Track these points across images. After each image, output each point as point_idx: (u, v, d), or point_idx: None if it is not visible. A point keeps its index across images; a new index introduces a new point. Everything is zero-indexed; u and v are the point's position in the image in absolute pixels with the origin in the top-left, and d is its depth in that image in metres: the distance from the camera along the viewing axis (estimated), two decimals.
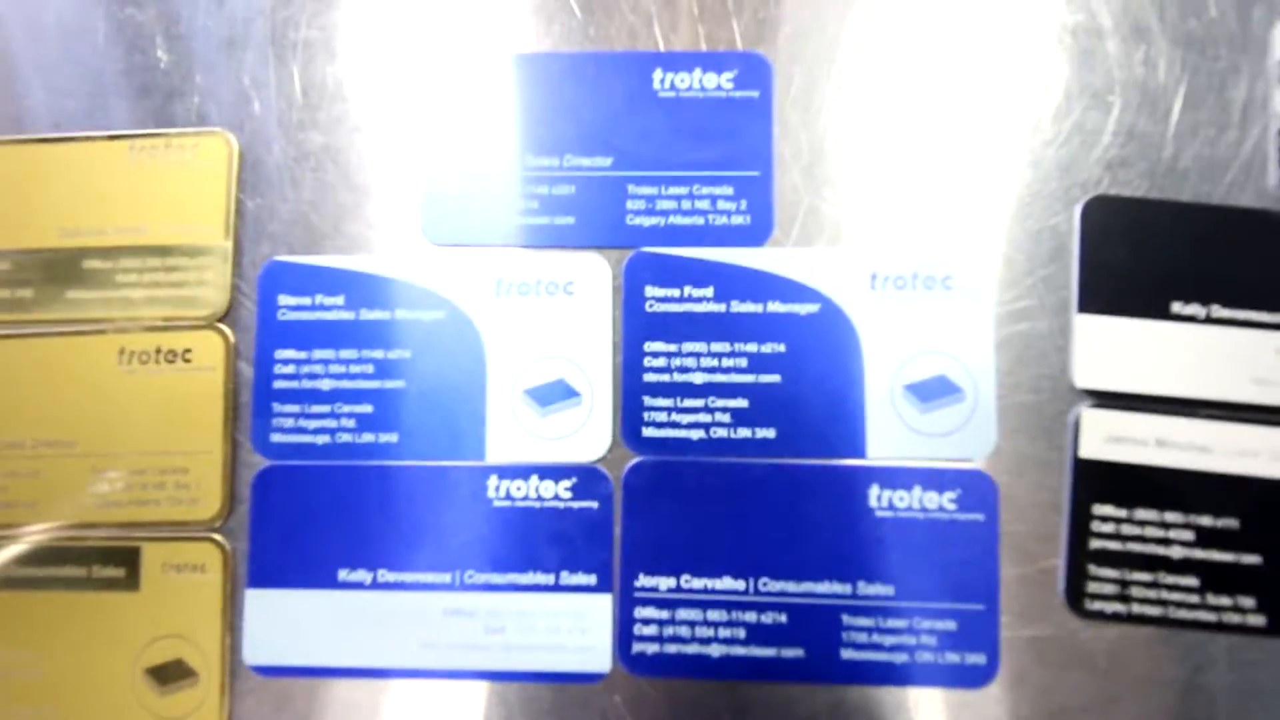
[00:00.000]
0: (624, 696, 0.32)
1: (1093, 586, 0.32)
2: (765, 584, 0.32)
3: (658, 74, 0.34)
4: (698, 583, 0.32)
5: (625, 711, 0.32)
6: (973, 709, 0.31)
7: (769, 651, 0.32)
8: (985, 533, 0.32)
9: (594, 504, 0.32)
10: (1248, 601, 0.32)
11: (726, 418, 0.32)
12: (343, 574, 0.32)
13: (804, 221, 0.33)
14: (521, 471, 0.32)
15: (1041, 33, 0.34)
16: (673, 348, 0.33)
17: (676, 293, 0.33)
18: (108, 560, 0.33)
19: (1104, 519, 0.32)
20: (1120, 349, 0.33)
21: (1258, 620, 0.32)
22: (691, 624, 0.32)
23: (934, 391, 0.32)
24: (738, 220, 0.33)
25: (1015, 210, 0.33)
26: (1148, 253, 0.33)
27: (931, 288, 0.32)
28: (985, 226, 0.33)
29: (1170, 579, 0.32)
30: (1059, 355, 0.32)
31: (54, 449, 0.34)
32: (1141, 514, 0.32)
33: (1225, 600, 0.32)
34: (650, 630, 0.32)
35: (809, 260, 0.33)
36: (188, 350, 0.34)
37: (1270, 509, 0.32)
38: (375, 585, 0.32)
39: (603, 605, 0.32)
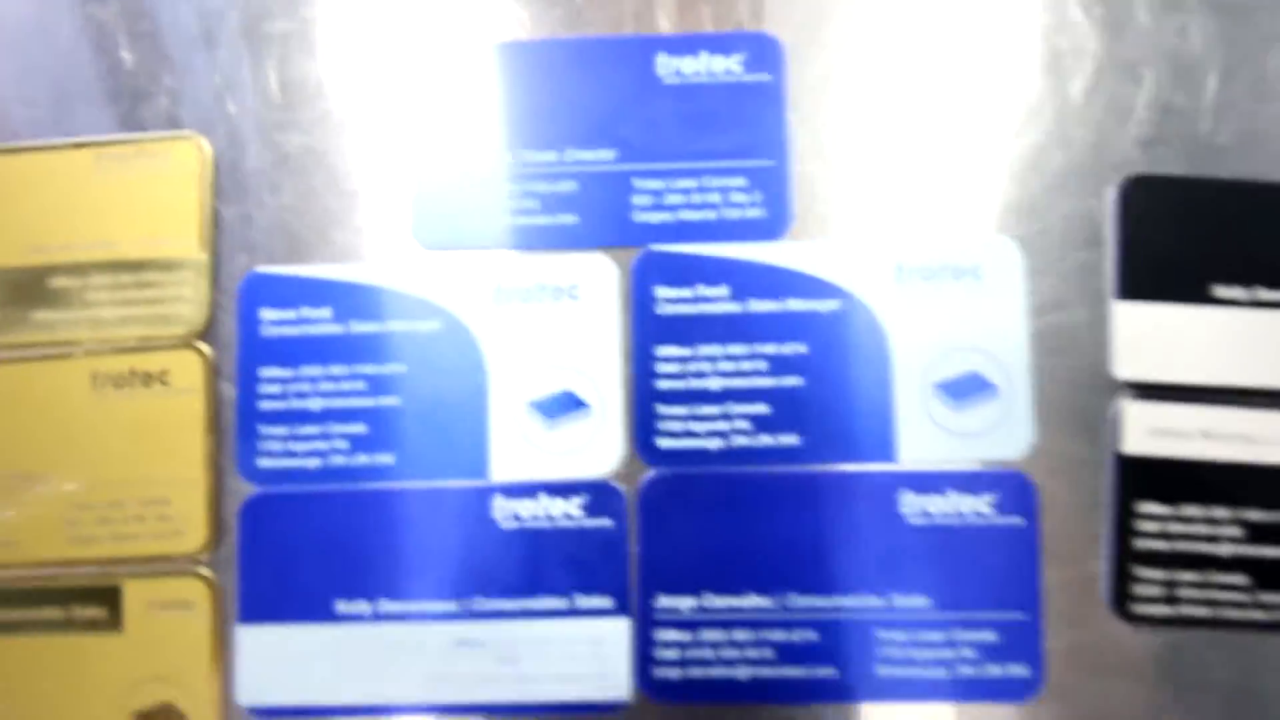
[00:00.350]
0: None
1: (1138, 589, 0.30)
2: (793, 600, 0.30)
3: (661, 58, 0.31)
4: (721, 602, 0.30)
5: None
6: None
7: (799, 671, 0.30)
8: (1025, 537, 0.30)
9: (608, 522, 0.30)
10: None
11: (746, 425, 0.30)
12: (341, 606, 0.30)
13: (822, 212, 0.31)
14: (528, 489, 0.30)
15: (1068, 2, 0.31)
16: (686, 352, 0.31)
17: (688, 293, 0.31)
18: (88, 600, 0.31)
19: (1148, 517, 0.30)
20: (1161, 337, 0.31)
21: None
22: (716, 645, 0.30)
23: (966, 389, 0.30)
24: (752, 213, 0.31)
25: (1045, 193, 0.31)
26: (1188, 234, 0.31)
27: (960, 278, 0.31)
28: (1015, 211, 0.31)
29: (1219, 578, 0.30)
30: (1097, 346, 0.31)
31: (26, 482, 0.31)
32: (1188, 510, 0.30)
33: (1278, 599, 0.30)
34: (672, 654, 0.30)
35: (829, 253, 0.31)
36: (165, 371, 0.31)
37: None
38: (376, 617, 0.30)
39: (621, 629, 0.30)
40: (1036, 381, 0.30)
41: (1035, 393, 0.30)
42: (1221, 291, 0.31)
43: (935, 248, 0.31)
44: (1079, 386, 0.31)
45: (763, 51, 0.31)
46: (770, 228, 0.31)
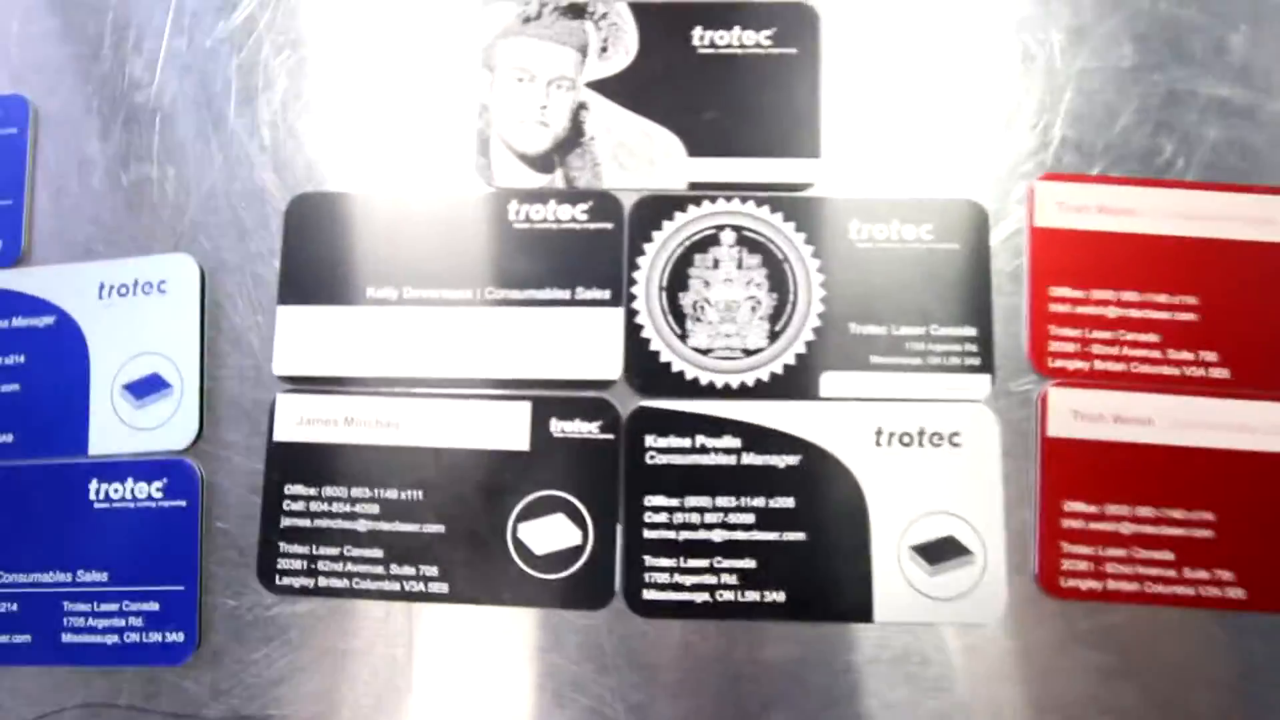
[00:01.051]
0: None
1: (283, 563, 0.33)
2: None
3: None
4: None
5: None
6: (173, 682, 0.33)
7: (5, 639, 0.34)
8: (187, 517, 0.34)
9: None
10: (430, 570, 0.33)
11: None
12: None
13: (47, 243, 0.36)
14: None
15: None
16: None
17: None
18: None
19: (295, 498, 0.33)
20: (317, 336, 0.34)
21: (439, 588, 0.33)
22: None
23: (147, 389, 0.34)
24: None
25: (227, 215, 0.35)
26: (344, 243, 0.35)
27: (149, 292, 0.35)
28: (195, 231, 0.35)
29: (356, 552, 0.33)
30: (264, 346, 0.34)
31: None
32: (329, 491, 0.33)
33: (409, 570, 0.33)
34: None
35: (45, 278, 0.36)
36: None
37: (451, 477, 0.33)
38: None
39: None
40: (209, 378, 0.34)
41: (207, 388, 0.34)
42: (374, 293, 0.34)
43: (132, 266, 0.35)
44: (245, 382, 0.34)
45: None
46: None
